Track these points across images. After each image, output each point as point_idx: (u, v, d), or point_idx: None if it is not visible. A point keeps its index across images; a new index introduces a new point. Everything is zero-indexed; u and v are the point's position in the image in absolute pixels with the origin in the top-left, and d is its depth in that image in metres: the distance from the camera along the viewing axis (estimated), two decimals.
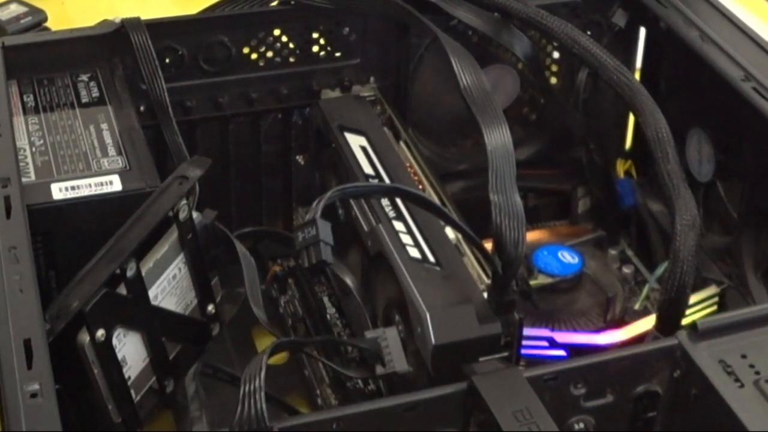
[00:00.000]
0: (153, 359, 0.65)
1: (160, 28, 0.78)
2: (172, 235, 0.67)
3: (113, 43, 0.77)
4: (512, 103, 0.87)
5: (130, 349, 0.63)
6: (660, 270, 0.80)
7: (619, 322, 0.77)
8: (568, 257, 0.81)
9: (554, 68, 0.88)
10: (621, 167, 0.90)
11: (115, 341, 0.61)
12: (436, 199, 0.72)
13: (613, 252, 0.87)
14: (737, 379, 0.55)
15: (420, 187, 0.75)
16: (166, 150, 0.75)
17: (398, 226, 0.69)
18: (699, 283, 0.76)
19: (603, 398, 0.58)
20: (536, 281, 0.80)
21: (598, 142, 0.87)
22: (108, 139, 0.71)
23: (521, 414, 0.54)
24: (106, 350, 0.60)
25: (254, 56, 0.82)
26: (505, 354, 0.62)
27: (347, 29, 0.83)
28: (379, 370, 0.64)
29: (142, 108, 0.77)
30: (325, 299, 0.80)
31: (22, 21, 1.10)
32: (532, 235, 0.86)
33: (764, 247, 0.75)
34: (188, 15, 0.82)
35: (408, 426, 0.55)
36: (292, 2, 0.81)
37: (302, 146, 0.86)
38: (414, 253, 0.67)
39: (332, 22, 0.82)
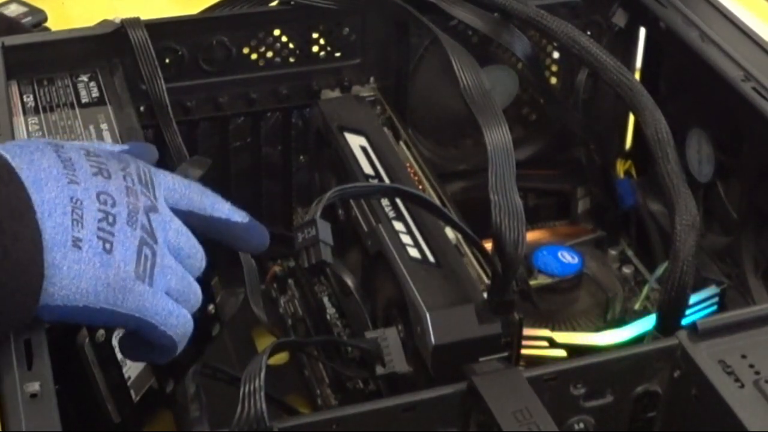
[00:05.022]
0: None
1: (160, 28, 0.78)
2: None
3: (113, 43, 0.77)
4: (512, 103, 0.88)
5: None
6: (660, 270, 0.80)
7: (619, 322, 0.77)
8: (568, 257, 0.81)
9: (554, 68, 0.88)
10: (621, 167, 0.90)
11: (114, 341, 0.61)
12: (436, 199, 0.72)
13: (613, 252, 0.87)
14: (737, 380, 0.55)
15: (420, 187, 0.74)
16: (166, 150, 0.74)
17: (398, 226, 0.69)
18: (699, 283, 0.76)
19: (603, 398, 0.58)
20: (536, 281, 0.80)
21: (598, 142, 0.87)
22: (108, 140, 0.71)
23: (521, 414, 0.54)
24: (105, 350, 0.60)
25: (254, 56, 0.82)
26: (505, 354, 0.62)
27: (347, 29, 0.83)
28: (379, 370, 0.64)
29: (142, 108, 0.77)
30: (325, 299, 0.80)
31: (22, 21, 1.10)
32: (532, 235, 0.86)
33: (764, 247, 0.75)
34: (188, 15, 0.82)
35: (407, 426, 0.55)
36: (292, 2, 0.81)
37: (302, 146, 0.86)
38: (414, 253, 0.67)
39: (332, 22, 0.82)
